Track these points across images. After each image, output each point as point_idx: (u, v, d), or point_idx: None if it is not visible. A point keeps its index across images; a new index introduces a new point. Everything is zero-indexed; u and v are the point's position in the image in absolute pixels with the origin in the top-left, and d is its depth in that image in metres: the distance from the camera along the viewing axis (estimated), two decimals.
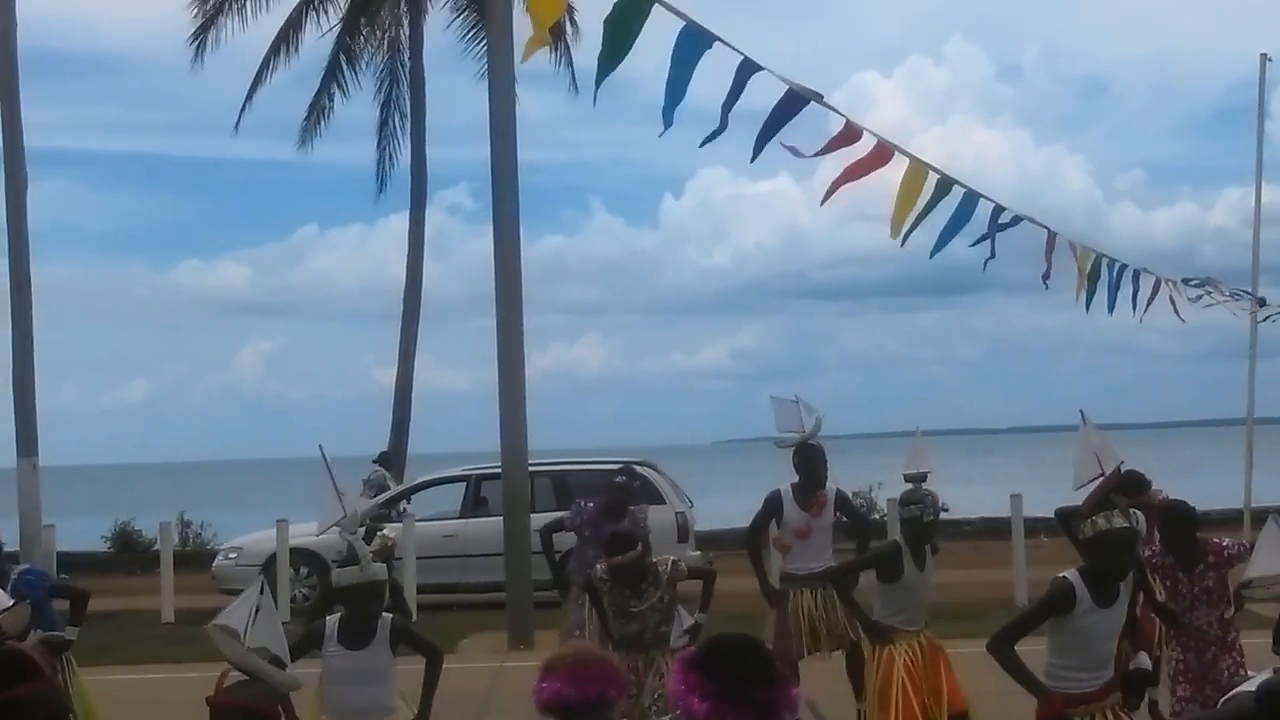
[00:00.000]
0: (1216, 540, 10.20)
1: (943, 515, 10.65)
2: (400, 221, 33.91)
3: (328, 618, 8.53)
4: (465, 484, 23.83)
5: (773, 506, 12.42)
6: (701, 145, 8.15)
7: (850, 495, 11.93)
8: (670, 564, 10.45)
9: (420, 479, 25.35)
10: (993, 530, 25.94)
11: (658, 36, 7.91)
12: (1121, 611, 7.87)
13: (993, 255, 10.33)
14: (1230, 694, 4.80)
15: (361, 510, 10.69)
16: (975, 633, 14.78)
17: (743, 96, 8.19)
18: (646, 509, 14.63)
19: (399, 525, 20.73)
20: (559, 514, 15.00)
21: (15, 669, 5.01)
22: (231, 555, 23.42)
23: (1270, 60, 21.89)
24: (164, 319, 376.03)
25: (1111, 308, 12.18)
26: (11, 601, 9.50)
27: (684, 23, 7.85)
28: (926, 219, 9.52)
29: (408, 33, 33.06)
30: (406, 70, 33.21)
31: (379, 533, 11.97)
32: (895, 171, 8.97)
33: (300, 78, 33.90)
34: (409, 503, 23.51)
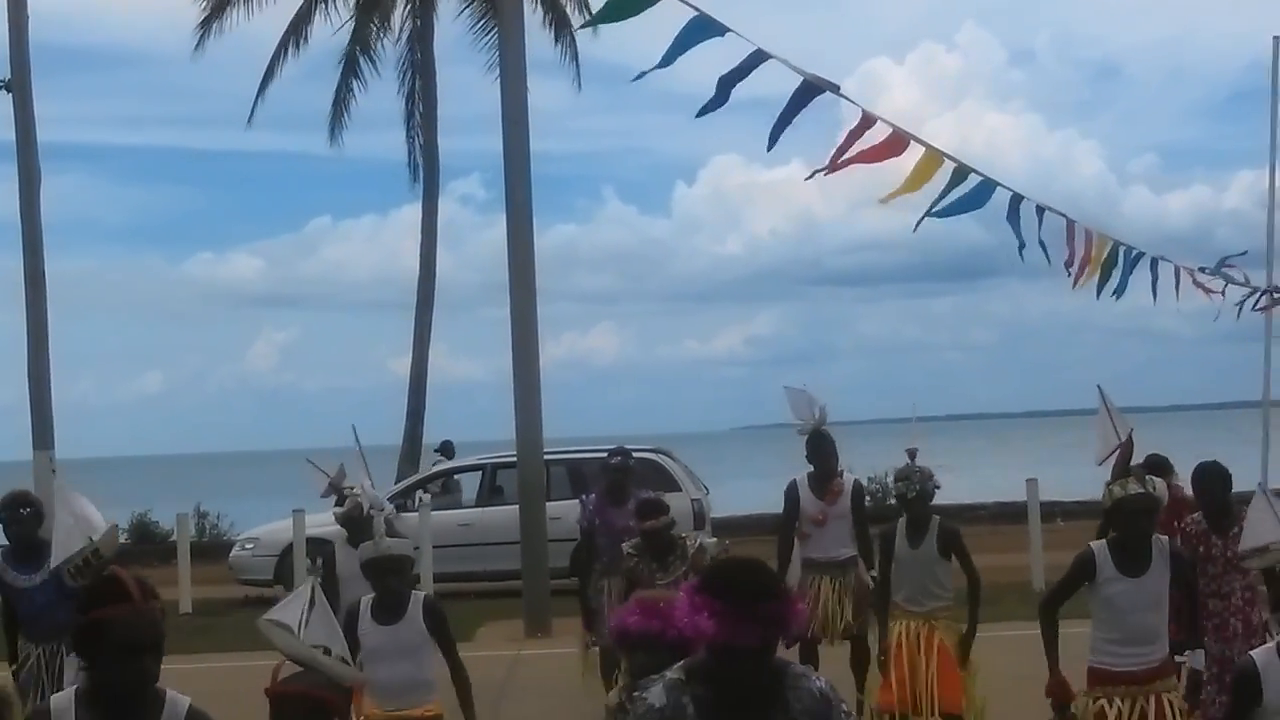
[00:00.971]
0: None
1: (935, 491, 10.59)
2: (413, 212, 34.02)
3: (362, 597, 8.60)
4: (481, 473, 23.89)
5: (791, 499, 12.46)
6: (698, 115, 8.09)
7: (865, 486, 11.89)
8: (697, 544, 10.48)
9: (435, 468, 25.40)
10: (1009, 514, 25.96)
11: (672, 24, 7.89)
12: (1154, 585, 7.91)
13: (1024, 243, 10.23)
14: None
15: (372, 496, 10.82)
16: (993, 616, 14.78)
17: (756, 85, 8.18)
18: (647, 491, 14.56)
19: (415, 514, 20.81)
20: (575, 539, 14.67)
21: (107, 591, 5.11)
22: (248, 546, 23.49)
23: None
24: (178, 311, 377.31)
25: (1122, 293, 12.11)
26: (105, 525, 9.68)
27: (695, 13, 7.83)
28: (940, 200, 9.47)
29: (418, 24, 33.05)
30: (417, 61, 33.22)
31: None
32: (910, 161, 8.95)
33: (312, 71, 33.97)
34: (426, 492, 23.56)
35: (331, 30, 32.90)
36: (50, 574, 9.73)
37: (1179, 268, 13.47)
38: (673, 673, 4.64)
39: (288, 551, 21.55)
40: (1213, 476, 10.06)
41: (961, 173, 9.08)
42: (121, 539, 29.93)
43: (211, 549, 26.98)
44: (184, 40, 32.54)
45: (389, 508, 9.90)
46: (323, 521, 19.58)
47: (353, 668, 6.18)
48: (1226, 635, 9.89)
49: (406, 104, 33.58)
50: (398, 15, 33.27)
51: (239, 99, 50.21)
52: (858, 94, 8.90)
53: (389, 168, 33.90)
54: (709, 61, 8.11)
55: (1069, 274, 11.31)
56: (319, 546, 21.70)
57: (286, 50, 32.80)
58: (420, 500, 22.52)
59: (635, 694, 4.72)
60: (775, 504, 14.87)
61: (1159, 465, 11.12)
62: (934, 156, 8.92)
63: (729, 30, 7.97)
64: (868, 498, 13.16)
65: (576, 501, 14.12)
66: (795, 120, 8.39)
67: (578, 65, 33.66)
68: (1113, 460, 9.51)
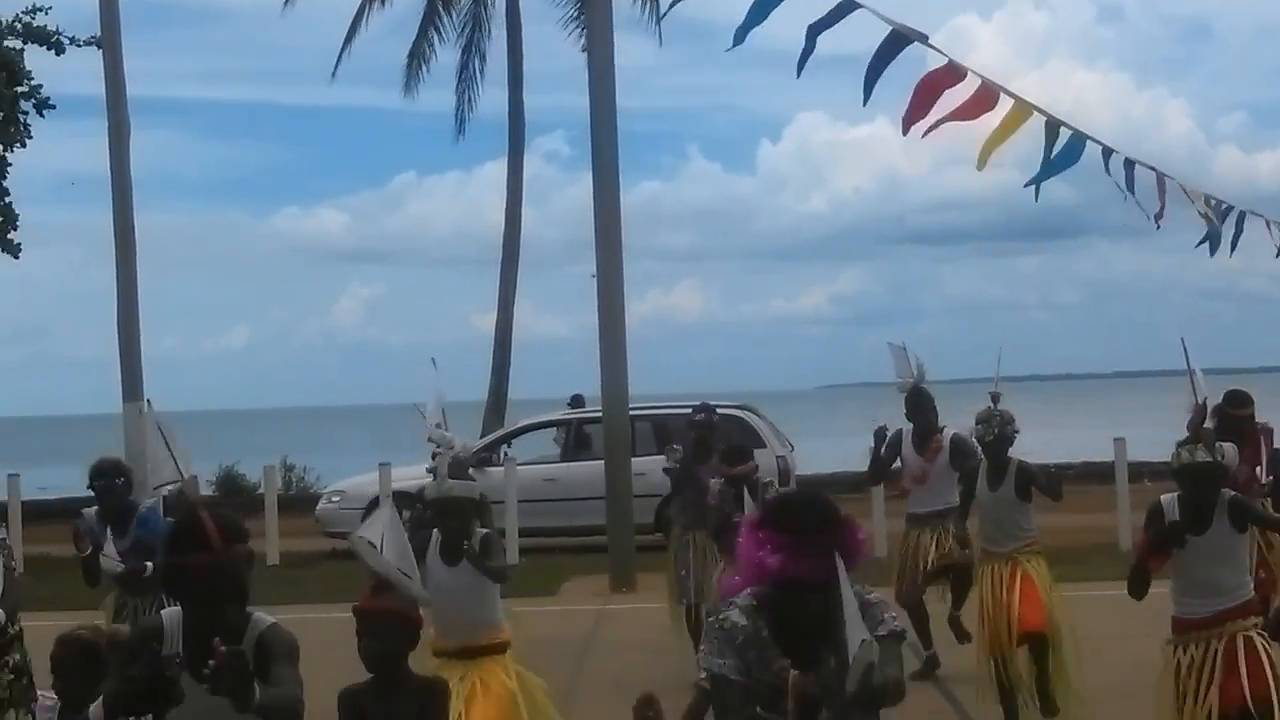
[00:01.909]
0: None
1: (1014, 435, 10.52)
2: (497, 169, 34.00)
3: (433, 531, 8.69)
4: (566, 428, 23.94)
5: (894, 444, 12.56)
6: (798, 75, 8.16)
7: (966, 440, 11.74)
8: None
9: (521, 423, 25.47)
10: (1096, 474, 25.78)
11: None
12: (1218, 540, 7.88)
13: (1127, 195, 10.06)
14: None
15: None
16: (1078, 576, 14.71)
17: (842, 41, 8.14)
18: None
19: (501, 469, 20.90)
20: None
21: (190, 536, 5.14)
22: (335, 499, 23.66)
23: None
24: (264, 266, 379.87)
25: (1233, 249, 11.84)
26: (185, 475, 9.76)
27: None
28: (1031, 160, 9.37)
29: None
30: (500, 16, 33.13)
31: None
32: (999, 118, 8.84)
33: (397, 25, 33.97)
34: (510, 446, 23.63)
35: None
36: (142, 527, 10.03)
37: (1270, 221, 13.23)
38: (745, 599, 4.68)
39: (374, 504, 21.69)
40: None
41: (1053, 128, 8.95)
42: (207, 491, 30.33)
43: (299, 502, 27.20)
44: None
45: (458, 445, 9.91)
46: (408, 475, 19.73)
47: (420, 588, 6.37)
48: None
49: (463, 56, 33.48)
50: None
51: (324, 54, 50.54)
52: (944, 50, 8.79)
53: (473, 124, 33.70)
54: (794, 17, 8.07)
55: (1157, 227, 11.11)
56: (405, 499, 21.92)
57: (371, 5, 32.89)
58: (504, 455, 22.62)
59: (720, 614, 4.74)
60: (858, 462, 14.81)
61: (1238, 399, 10.87)
62: (1023, 108, 8.80)
63: None
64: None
65: (661, 455, 14.08)
66: (882, 77, 8.33)
67: (659, 22, 33.50)
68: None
